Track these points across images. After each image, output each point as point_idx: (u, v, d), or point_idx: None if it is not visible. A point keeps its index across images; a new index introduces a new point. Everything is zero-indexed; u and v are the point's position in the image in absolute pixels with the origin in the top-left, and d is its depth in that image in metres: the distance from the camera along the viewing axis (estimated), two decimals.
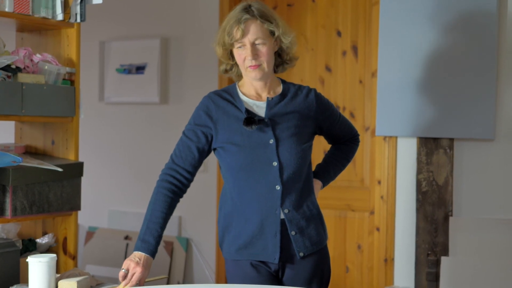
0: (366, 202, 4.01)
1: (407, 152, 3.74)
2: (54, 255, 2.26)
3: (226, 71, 2.44)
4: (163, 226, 2.29)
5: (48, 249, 3.12)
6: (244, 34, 2.27)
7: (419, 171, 3.68)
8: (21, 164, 2.76)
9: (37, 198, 2.87)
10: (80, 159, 3.20)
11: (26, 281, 2.38)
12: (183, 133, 2.38)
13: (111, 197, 4.91)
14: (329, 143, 2.64)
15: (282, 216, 2.30)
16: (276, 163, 2.29)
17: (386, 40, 3.70)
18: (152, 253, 2.25)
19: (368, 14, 4.02)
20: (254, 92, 2.38)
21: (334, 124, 2.51)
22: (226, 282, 4.41)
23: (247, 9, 2.29)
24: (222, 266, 4.44)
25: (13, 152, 3.09)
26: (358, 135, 2.65)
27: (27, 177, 2.80)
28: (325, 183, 2.56)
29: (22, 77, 2.86)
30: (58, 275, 2.39)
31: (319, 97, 2.44)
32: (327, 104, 2.47)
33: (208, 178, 4.44)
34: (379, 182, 3.86)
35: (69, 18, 3.08)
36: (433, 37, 3.58)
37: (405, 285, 3.74)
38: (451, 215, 3.61)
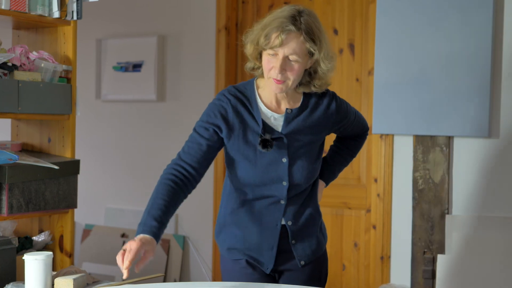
0: (362, 200, 4.01)
1: (403, 150, 3.75)
2: (51, 252, 2.26)
3: (253, 69, 2.26)
4: (166, 212, 2.06)
5: (44, 247, 3.12)
6: (281, 44, 2.08)
7: (415, 169, 3.68)
8: (18, 161, 2.76)
9: (33, 196, 2.87)
10: (77, 157, 3.20)
11: (22, 279, 2.38)
12: (194, 130, 2.22)
13: (108, 195, 4.91)
14: (337, 137, 2.55)
15: (283, 222, 2.27)
16: (286, 183, 2.22)
17: (382, 38, 3.70)
18: (154, 234, 2.01)
19: (365, 12, 4.02)
20: (274, 99, 2.23)
21: (348, 127, 2.40)
22: (222, 278, 4.41)
23: (295, 18, 2.09)
24: (219, 264, 4.44)
25: (9, 149, 3.09)
26: (368, 129, 2.54)
27: (24, 175, 2.80)
28: (328, 183, 2.51)
29: (19, 75, 2.86)
30: (55, 272, 2.39)
31: (340, 107, 2.30)
32: (346, 112, 2.34)
33: (205, 176, 4.43)
34: (376, 180, 3.86)
35: (66, 16, 3.08)
36: (429, 35, 3.58)
37: (401, 283, 3.75)
38: (448, 213, 3.61)
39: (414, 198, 3.69)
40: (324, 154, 2.44)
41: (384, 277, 3.83)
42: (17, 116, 2.89)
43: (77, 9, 3.07)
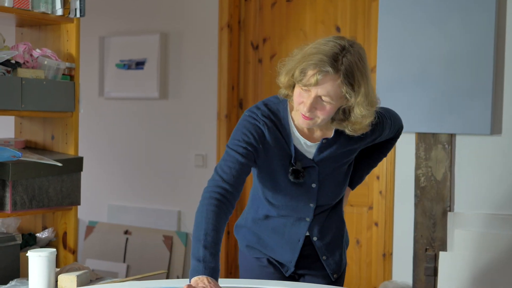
0: (364, 197, 4.02)
1: (405, 148, 3.75)
2: (54, 249, 2.27)
3: (286, 95, 2.09)
4: (219, 242, 1.91)
5: (48, 244, 3.13)
6: (316, 84, 1.92)
7: (417, 167, 3.69)
8: (21, 158, 2.77)
9: (36, 193, 2.88)
10: (80, 154, 3.21)
11: (26, 276, 2.39)
12: (231, 148, 2.06)
13: (111, 192, 4.92)
14: None
15: (308, 234, 2.23)
16: (313, 205, 2.17)
17: (385, 36, 3.71)
18: (217, 271, 1.87)
19: (367, 10, 4.03)
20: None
21: (382, 138, 2.27)
22: (225, 276, 4.42)
23: (337, 58, 1.91)
24: (222, 261, 4.46)
25: (13, 146, 3.10)
26: (402, 128, 2.40)
27: (27, 172, 2.81)
28: (355, 187, 2.43)
29: (22, 72, 2.87)
30: (58, 269, 2.40)
31: (375, 128, 2.15)
32: (382, 129, 2.19)
33: (207, 173, 4.45)
34: (378, 178, 3.87)
35: (69, 13, 3.08)
36: (431, 33, 3.58)
37: (403, 280, 3.75)
38: (450, 211, 3.62)
39: (416, 195, 3.69)
40: None
41: (386, 274, 3.84)
42: (20, 113, 2.90)
43: (80, 6, 3.08)
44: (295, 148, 2.09)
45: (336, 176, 2.17)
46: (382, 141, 2.33)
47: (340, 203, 2.30)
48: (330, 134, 2.11)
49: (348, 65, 1.91)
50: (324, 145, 2.10)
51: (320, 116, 1.98)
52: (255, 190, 2.27)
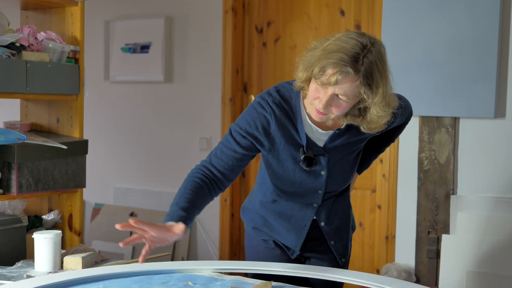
0: (368, 180, 4.03)
1: (409, 131, 3.75)
2: (60, 231, 2.30)
3: (302, 88, 2.04)
4: (193, 206, 1.95)
5: (54, 226, 3.16)
6: (335, 84, 1.87)
7: (421, 150, 3.70)
8: (26, 141, 2.79)
9: (42, 175, 2.90)
10: (86, 137, 3.23)
11: (32, 257, 2.41)
12: (231, 133, 2.07)
13: (117, 175, 4.96)
14: None
15: (315, 218, 2.23)
16: (321, 191, 2.16)
17: (389, 19, 3.70)
18: (184, 218, 1.90)
19: None
20: None
21: (393, 125, 2.23)
22: (230, 258, 4.45)
23: (358, 57, 1.85)
24: (226, 243, 4.49)
25: (18, 129, 3.12)
26: (412, 114, 2.38)
27: (32, 155, 2.83)
28: (362, 172, 2.42)
29: (27, 55, 2.88)
30: (64, 251, 2.42)
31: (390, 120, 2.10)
32: (394, 117, 2.12)
33: None
34: (381, 161, 3.88)
35: None
36: (436, 17, 3.58)
37: (406, 262, 3.78)
38: (453, 194, 3.63)
39: (419, 178, 3.71)
40: None
41: (389, 256, 3.86)
42: (25, 96, 2.92)
43: None
44: (306, 136, 2.07)
45: (345, 164, 2.16)
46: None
47: (347, 188, 2.30)
48: (342, 123, 2.08)
49: (368, 65, 1.86)
50: (337, 134, 2.08)
51: (335, 112, 1.94)
52: (263, 175, 2.26)
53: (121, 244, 1.81)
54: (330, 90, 1.89)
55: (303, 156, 2.05)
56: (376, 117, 1.96)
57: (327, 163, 2.11)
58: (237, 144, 2.05)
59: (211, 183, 2.03)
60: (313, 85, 1.93)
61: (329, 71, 1.85)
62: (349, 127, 2.07)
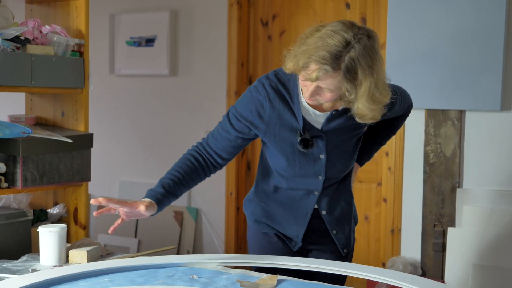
0: (373, 173, 4.02)
1: (415, 124, 3.74)
2: (65, 225, 2.30)
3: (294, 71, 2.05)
4: (177, 184, 2.07)
5: (59, 219, 3.17)
6: (315, 79, 1.90)
7: (426, 143, 3.69)
8: (31, 135, 2.79)
9: (47, 169, 2.90)
10: (90, 131, 3.23)
11: (37, 251, 2.41)
12: (228, 115, 2.14)
13: (122, 168, 4.96)
14: None
15: (316, 207, 2.24)
16: (322, 177, 2.17)
17: (394, 12, 3.68)
18: (157, 200, 2.03)
19: None
20: None
21: (392, 114, 2.25)
22: (235, 252, 4.45)
23: (340, 55, 1.87)
24: (231, 236, 4.49)
25: (23, 123, 3.12)
26: (412, 106, 2.40)
27: (37, 148, 2.83)
28: (363, 164, 2.44)
29: (31, 49, 2.88)
30: (69, 244, 2.42)
31: (388, 106, 2.09)
32: (392, 104, 2.14)
33: None
34: (387, 154, 3.87)
35: None
36: (442, 9, 3.56)
37: (412, 256, 3.77)
38: (459, 187, 3.62)
39: (425, 171, 3.70)
40: None
41: (395, 249, 3.86)
42: (30, 90, 2.92)
43: None
44: (304, 118, 2.09)
45: (345, 148, 2.17)
46: (391, 117, 2.33)
47: (348, 177, 2.30)
48: (340, 105, 2.08)
49: (352, 61, 1.87)
50: (334, 116, 2.09)
51: (323, 100, 1.98)
52: (264, 164, 2.27)
53: (94, 214, 1.97)
54: (314, 83, 1.92)
55: (299, 138, 2.08)
56: (366, 110, 1.97)
57: (326, 146, 2.12)
58: (231, 127, 2.12)
59: (205, 162, 2.14)
60: (300, 77, 1.97)
61: (312, 66, 1.89)
62: (346, 110, 2.08)
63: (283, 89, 2.09)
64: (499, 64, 3.44)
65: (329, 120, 2.09)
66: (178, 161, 2.14)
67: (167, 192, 2.05)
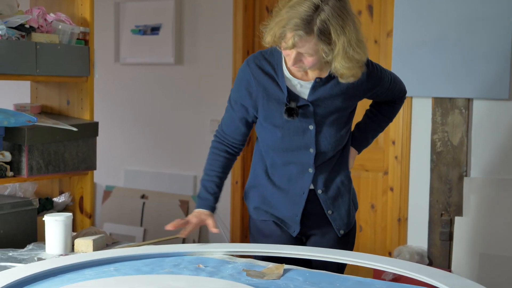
0: (380, 162, 4.01)
1: (422, 112, 3.73)
2: (70, 213, 2.29)
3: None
4: (219, 184, 2.30)
5: (65, 208, 3.16)
6: (294, 46, 2.01)
7: (434, 131, 3.67)
8: (37, 123, 2.78)
9: (53, 158, 2.90)
10: (96, 119, 3.22)
11: (43, 240, 2.41)
12: (229, 101, 2.30)
13: (128, 157, 4.96)
14: (372, 101, 2.48)
15: (312, 188, 2.27)
16: (313, 150, 2.22)
17: None
18: (211, 208, 2.28)
19: None
20: None
21: (382, 93, 2.33)
22: (241, 241, 4.45)
23: (311, 19, 1.97)
24: (237, 225, 4.49)
25: (28, 111, 3.12)
26: (406, 93, 2.46)
27: (43, 137, 2.83)
28: (361, 150, 2.48)
29: (36, 37, 2.86)
30: (75, 233, 2.42)
31: (371, 74, 2.22)
32: (379, 78, 2.26)
33: None
34: (394, 143, 3.85)
35: None
36: None
37: (418, 245, 3.76)
38: (466, 175, 3.60)
39: (432, 160, 3.68)
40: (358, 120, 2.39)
41: (401, 239, 3.85)
42: (35, 78, 2.91)
43: None
44: (289, 90, 2.18)
45: (335, 122, 2.22)
46: (385, 101, 2.39)
47: (344, 157, 2.32)
48: (325, 74, 2.18)
49: (323, 23, 1.98)
50: (318, 84, 2.18)
51: (307, 65, 2.08)
52: (259, 146, 2.35)
53: (167, 227, 2.19)
54: (294, 50, 2.04)
55: (285, 107, 2.16)
56: (343, 69, 2.05)
57: (314, 116, 2.19)
58: (233, 112, 2.28)
59: (230, 148, 2.32)
60: (282, 48, 2.09)
61: (288, 35, 2.00)
62: (331, 77, 2.17)
63: (267, 63, 2.20)
64: (508, 52, 3.41)
65: (314, 88, 2.17)
66: (209, 158, 2.33)
67: (215, 198, 2.29)
